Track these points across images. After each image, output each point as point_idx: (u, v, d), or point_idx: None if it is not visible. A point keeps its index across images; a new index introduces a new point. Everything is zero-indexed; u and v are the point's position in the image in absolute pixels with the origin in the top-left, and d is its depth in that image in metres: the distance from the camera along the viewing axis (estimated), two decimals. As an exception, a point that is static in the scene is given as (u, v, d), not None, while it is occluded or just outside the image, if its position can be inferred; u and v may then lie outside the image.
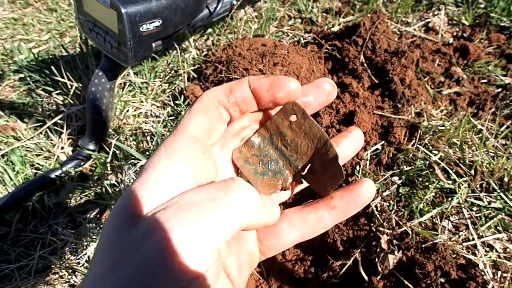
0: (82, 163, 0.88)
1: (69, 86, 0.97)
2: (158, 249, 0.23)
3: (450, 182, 0.74)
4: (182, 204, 0.25)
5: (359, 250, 0.70)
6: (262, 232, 0.34)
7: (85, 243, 0.76)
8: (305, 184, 0.35)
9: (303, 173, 0.34)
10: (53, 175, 0.84)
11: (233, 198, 0.26)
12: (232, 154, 0.34)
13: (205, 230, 0.24)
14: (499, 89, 0.97)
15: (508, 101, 0.92)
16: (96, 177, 0.86)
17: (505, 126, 0.87)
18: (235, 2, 1.03)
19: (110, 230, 0.25)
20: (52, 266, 0.75)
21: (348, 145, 0.36)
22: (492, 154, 0.80)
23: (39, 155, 0.92)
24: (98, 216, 0.82)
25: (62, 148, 0.93)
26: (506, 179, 0.74)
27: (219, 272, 0.27)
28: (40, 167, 0.90)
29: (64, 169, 0.85)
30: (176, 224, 0.23)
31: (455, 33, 1.17)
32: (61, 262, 0.74)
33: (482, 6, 1.21)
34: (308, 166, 0.34)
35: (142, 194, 0.26)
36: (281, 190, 0.35)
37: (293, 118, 0.33)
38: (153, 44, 0.77)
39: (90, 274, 0.25)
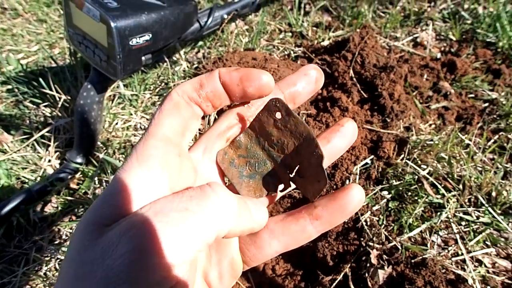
0: (69, 177, 0.87)
1: (57, 99, 0.96)
2: (122, 263, 0.21)
3: (439, 196, 0.74)
4: (150, 213, 0.23)
5: (349, 265, 0.70)
6: (244, 241, 0.33)
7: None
8: (293, 187, 0.33)
9: (292, 175, 0.32)
10: (39, 189, 0.82)
11: (207, 207, 0.24)
12: (217, 155, 0.32)
13: (174, 242, 0.22)
14: (486, 104, 0.98)
15: (495, 116, 0.94)
16: (83, 191, 0.85)
17: (492, 140, 0.88)
18: (225, 16, 1.03)
19: (77, 240, 0.24)
20: (36, 283, 0.73)
21: (340, 141, 0.33)
22: (480, 169, 0.80)
23: (26, 168, 0.90)
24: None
25: (49, 161, 0.92)
26: (494, 194, 0.74)
27: (193, 283, 0.26)
28: (26, 181, 0.88)
29: (50, 182, 0.84)
30: (141, 236, 0.22)
31: (442, 48, 1.18)
32: (45, 279, 0.72)
33: (469, 22, 1.24)
34: (296, 167, 0.32)
35: (112, 203, 0.25)
36: (269, 193, 0.32)
37: (278, 115, 0.31)
38: (143, 58, 0.77)
39: (57, 285, 0.24)
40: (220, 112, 0.59)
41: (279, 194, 0.34)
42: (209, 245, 0.26)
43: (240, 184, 0.32)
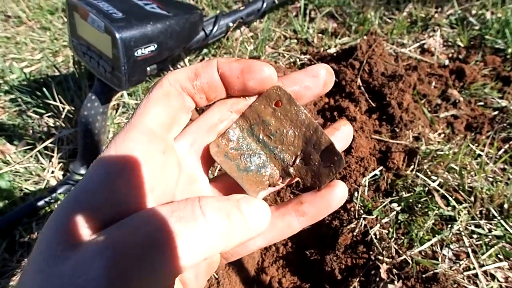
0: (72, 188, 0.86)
1: (61, 109, 0.96)
2: (95, 286, 0.19)
3: (449, 209, 0.73)
4: (131, 234, 0.21)
5: (358, 279, 0.68)
6: None
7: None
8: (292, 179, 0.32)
9: (292, 165, 0.31)
10: (42, 202, 0.82)
11: (195, 232, 0.22)
12: (209, 148, 0.29)
13: (157, 269, 0.21)
14: (496, 112, 0.96)
15: (505, 124, 0.92)
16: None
17: (503, 150, 0.86)
18: (231, 24, 1.02)
19: (45, 247, 0.22)
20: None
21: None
22: (491, 180, 0.79)
23: (28, 179, 0.89)
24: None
25: (53, 172, 0.91)
26: (506, 206, 0.73)
27: None
28: (29, 193, 0.87)
29: (54, 195, 0.83)
30: (119, 260, 0.20)
31: (450, 55, 1.17)
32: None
33: (477, 28, 1.22)
34: (298, 157, 0.31)
35: (86, 204, 0.23)
36: (269, 186, 0.31)
37: (278, 104, 0.30)
38: (148, 68, 0.76)
39: None
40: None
41: (277, 188, 0.33)
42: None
43: (241, 178, 0.30)
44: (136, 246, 0.21)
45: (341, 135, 0.32)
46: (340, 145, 0.32)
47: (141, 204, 0.24)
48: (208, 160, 0.31)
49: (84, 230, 0.22)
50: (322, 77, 0.30)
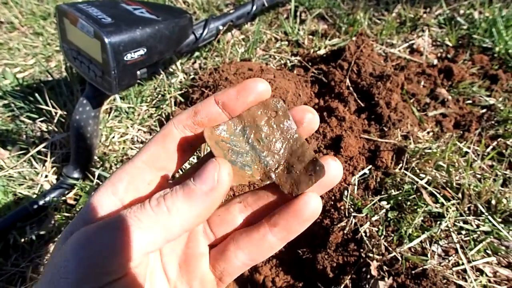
0: (66, 192, 0.87)
1: (54, 114, 0.96)
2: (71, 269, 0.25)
3: (438, 205, 0.74)
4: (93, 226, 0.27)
5: (349, 276, 0.69)
6: (213, 256, 0.33)
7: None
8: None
9: (274, 171, 0.32)
10: (36, 206, 0.82)
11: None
12: (204, 131, 0.31)
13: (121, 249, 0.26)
14: (484, 110, 0.98)
15: (493, 122, 0.93)
16: (80, 207, 0.84)
17: (491, 147, 0.88)
18: (221, 28, 1.03)
19: (55, 246, 0.29)
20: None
21: None
22: (479, 176, 0.80)
23: (22, 184, 0.90)
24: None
25: (46, 176, 0.91)
26: (493, 202, 0.74)
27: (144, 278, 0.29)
28: (23, 197, 0.88)
29: (47, 198, 0.83)
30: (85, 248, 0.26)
31: (439, 54, 1.18)
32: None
33: (465, 27, 1.24)
34: (281, 166, 0.32)
35: (83, 218, 0.29)
36: (249, 184, 0.33)
37: (273, 114, 0.32)
38: (138, 72, 0.77)
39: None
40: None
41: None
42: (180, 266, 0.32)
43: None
44: (97, 233, 0.27)
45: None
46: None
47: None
48: None
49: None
50: (307, 120, 0.33)
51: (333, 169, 0.31)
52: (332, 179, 0.31)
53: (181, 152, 0.31)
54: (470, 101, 1.01)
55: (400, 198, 0.75)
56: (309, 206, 0.30)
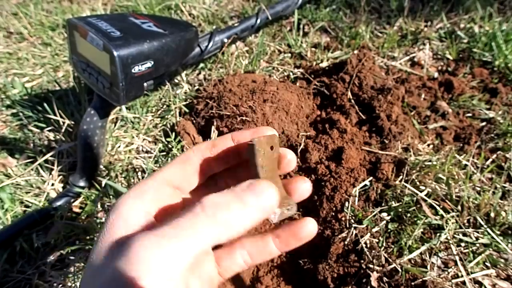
0: (72, 201, 0.88)
1: (61, 123, 0.98)
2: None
3: (437, 218, 0.75)
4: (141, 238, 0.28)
5: (350, 287, 0.70)
6: (218, 254, 0.38)
7: (73, 285, 0.75)
8: None
9: None
10: (42, 213, 0.84)
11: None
12: (254, 141, 0.33)
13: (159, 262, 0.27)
14: (484, 123, 0.99)
15: (492, 135, 0.94)
16: (86, 215, 0.86)
17: (490, 160, 0.89)
18: (226, 40, 1.06)
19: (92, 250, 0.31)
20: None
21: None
22: (479, 189, 0.81)
23: (29, 192, 0.92)
24: (87, 255, 0.81)
25: (53, 184, 0.93)
26: (492, 215, 0.75)
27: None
28: (30, 205, 0.90)
29: (53, 206, 0.85)
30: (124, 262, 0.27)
31: (439, 67, 1.20)
32: (48, 304, 0.73)
33: (465, 41, 1.26)
34: None
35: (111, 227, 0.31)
36: None
37: (268, 149, 0.34)
38: (145, 84, 0.79)
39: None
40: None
41: None
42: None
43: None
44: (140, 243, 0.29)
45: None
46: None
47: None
48: None
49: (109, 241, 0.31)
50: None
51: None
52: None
53: (201, 174, 0.36)
54: (470, 114, 1.02)
55: (400, 210, 0.76)
56: (305, 229, 0.37)
